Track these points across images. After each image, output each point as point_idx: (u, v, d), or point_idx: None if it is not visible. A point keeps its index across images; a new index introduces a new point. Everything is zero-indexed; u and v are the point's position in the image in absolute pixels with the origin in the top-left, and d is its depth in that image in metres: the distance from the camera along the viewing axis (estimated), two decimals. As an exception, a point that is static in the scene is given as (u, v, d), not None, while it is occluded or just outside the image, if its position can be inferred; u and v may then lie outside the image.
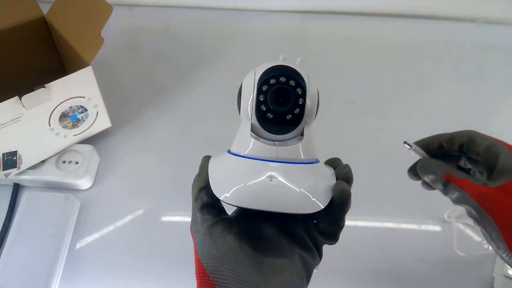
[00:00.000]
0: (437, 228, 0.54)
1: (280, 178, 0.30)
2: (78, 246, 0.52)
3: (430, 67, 0.74)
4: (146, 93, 0.69)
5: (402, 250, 0.52)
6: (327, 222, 0.31)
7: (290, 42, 0.80)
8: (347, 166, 0.32)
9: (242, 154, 0.32)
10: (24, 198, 0.53)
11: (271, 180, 0.30)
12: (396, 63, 0.75)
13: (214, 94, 0.70)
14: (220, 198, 0.30)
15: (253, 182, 0.30)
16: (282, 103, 0.31)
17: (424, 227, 0.54)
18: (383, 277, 0.50)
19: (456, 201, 0.35)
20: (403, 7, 0.83)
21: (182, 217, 0.56)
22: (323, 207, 0.29)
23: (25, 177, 0.55)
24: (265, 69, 0.32)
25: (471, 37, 0.80)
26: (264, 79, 0.31)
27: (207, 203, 0.32)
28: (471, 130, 0.37)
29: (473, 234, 0.53)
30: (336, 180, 0.31)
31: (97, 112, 0.58)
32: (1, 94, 0.46)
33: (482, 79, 0.73)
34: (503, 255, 0.31)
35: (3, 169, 0.53)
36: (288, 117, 0.31)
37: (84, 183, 0.56)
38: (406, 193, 0.55)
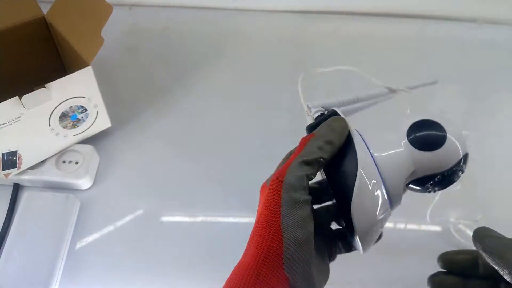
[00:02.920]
0: (437, 228, 0.54)
1: None
2: (78, 246, 0.52)
3: (430, 67, 0.74)
4: (146, 93, 0.69)
5: (402, 250, 0.52)
6: (348, 240, 0.31)
7: (290, 42, 0.80)
8: None
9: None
10: (24, 198, 0.53)
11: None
12: (396, 63, 0.75)
13: (214, 94, 0.70)
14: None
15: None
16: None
17: (424, 227, 0.54)
18: (383, 277, 0.50)
19: None
20: (403, 7, 0.83)
21: (182, 217, 0.56)
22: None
23: (25, 177, 0.55)
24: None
25: (471, 37, 0.80)
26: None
27: (310, 175, 0.30)
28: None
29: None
30: None
31: (97, 112, 0.58)
32: (1, 94, 0.46)
33: (482, 79, 0.73)
34: None
35: (3, 169, 0.53)
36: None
37: (84, 183, 0.56)
38: (406, 193, 0.55)
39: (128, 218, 0.55)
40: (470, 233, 0.53)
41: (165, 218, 0.55)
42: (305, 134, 0.35)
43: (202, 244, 0.53)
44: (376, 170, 0.30)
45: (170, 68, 0.74)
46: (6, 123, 0.48)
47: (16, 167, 0.54)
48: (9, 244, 0.50)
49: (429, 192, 0.34)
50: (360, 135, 0.33)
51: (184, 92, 0.70)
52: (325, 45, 0.79)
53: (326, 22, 0.84)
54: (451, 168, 0.32)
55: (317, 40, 0.81)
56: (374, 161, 0.31)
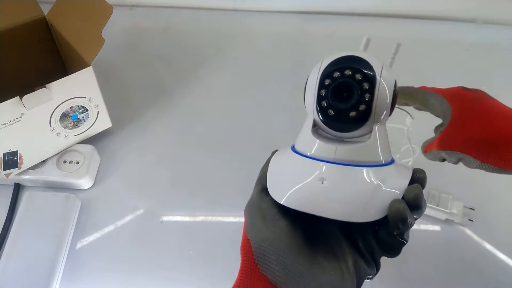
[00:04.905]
0: (436, 227, 0.54)
1: (331, 181, 0.27)
2: (78, 245, 0.53)
3: (430, 67, 0.74)
4: (147, 93, 0.70)
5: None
6: (385, 233, 0.28)
7: (290, 43, 0.80)
8: (416, 188, 0.28)
9: (300, 152, 0.30)
10: (25, 198, 0.54)
11: (322, 183, 0.28)
12: (396, 63, 0.75)
13: (214, 94, 0.70)
14: (271, 196, 0.30)
15: (303, 183, 0.28)
16: (345, 98, 0.28)
17: (423, 227, 0.54)
18: (383, 277, 0.50)
19: (437, 159, 0.39)
20: (403, 7, 0.83)
21: (183, 216, 0.56)
22: (370, 220, 0.27)
23: (26, 177, 0.56)
24: (331, 60, 0.29)
25: (471, 37, 0.80)
26: (328, 72, 0.28)
27: (267, 188, 0.31)
28: (411, 89, 0.43)
29: (472, 234, 0.53)
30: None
31: (98, 112, 0.58)
32: (2, 94, 0.46)
33: (482, 79, 0.73)
34: (491, 169, 0.35)
35: (4, 169, 0.53)
36: (352, 114, 0.28)
37: (85, 183, 0.57)
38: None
39: (129, 217, 0.55)
40: (469, 232, 0.54)
41: (165, 218, 0.55)
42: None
43: (202, 244, 0.53)
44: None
45: (170, 68, 0.74)
46: (7, 123, 0.49)
47: (17, 167, 0.54)
48: (10, 244, 0.50)
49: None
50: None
51: (184, 92, 0.70)
52: (325, 45, 0.79)
53: (326, 22, 0.84)
54: None
55: (317, 40, 0.81)
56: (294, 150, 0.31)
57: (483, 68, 0.75)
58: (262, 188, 0.32)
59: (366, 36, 0.34)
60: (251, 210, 0.31)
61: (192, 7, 0.85)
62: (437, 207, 0.53)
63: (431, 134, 0.43)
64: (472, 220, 0.53)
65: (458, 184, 0.56)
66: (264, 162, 0.34)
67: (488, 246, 0.52)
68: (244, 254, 0.29)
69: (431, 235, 0.54)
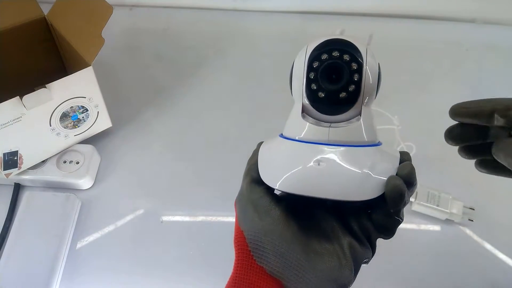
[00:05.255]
0: (436, 227, 0.54)
1: (327, 163, 0.28)
2: (78, 245, 0.53)
3: (430, 67, 0.75)
4: (146, 93, 0.70)
5: (401, 250, 0.52)
6: (380, 214, 0.28)
7: (290, 43, 0.80)
8: (408, 165, 0.28)
9: (290, 137, 0.30)
10: (25, 198, 0.54)
11: (318, 165, 0.28)
12: (396, 63, 0.75)
13: (214, 94, 0.70)
14: (265, 182, 0.30)
15: (299, 167, 0.28)
16: (335, 80, 0.28)
17: (423, 227, 0.54)
18: (382, 276, 0.50)
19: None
20: (403, 7, 0.83)
21: (183, 217, 0.56)
22: (369, 198, 0.27)
23: (26, 177, 0.56)
24: (318, 43, 0.29)
25: (471, 37, 0.80)
26: (315, 55, 0.29)
27: (257, 179, 0.31)
28: None
29: (472, 234, 0.53)
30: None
31: (98, 112, 0.58)
32: (2, 94, 0.46)
33: (481, 79, 0.74)
34: None
35: (4, 169, 0.53)
36: (342, 95, 0.28)
37: (85, 183, 0.57)
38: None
39: (129, 217, 0.55)
40: (469, 232, 0.54)
41: (165, 218, 0.55)
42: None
43: (202, 244, 0.53)
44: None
45: (170, 68, 0.74)
46: (7, 123, 0.49)
47: (17, 167, 0.54)
48: (10, 244, 0.50)
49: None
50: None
51: (184, 92, 0.70)
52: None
53: (326, 22, 0.84)
54: None
55: (317, 40, 0.80)
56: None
57: (483, 68, 0.75)
58: (252, 180, 0.31)
59: (340, 28, 0.34)
60: (242, 202, 0.31)
61: (192, 7, 0.85)
62: (437, 207, 0.53)
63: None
64: (472, 220, 0.53)
65: (458, 184, 0.56)
66: None
67: (488, 246, 0.52)
68: (239, 247, 0.29)
69: (431, 235, 0.54)
